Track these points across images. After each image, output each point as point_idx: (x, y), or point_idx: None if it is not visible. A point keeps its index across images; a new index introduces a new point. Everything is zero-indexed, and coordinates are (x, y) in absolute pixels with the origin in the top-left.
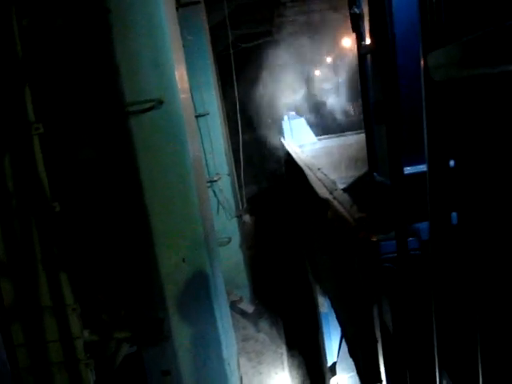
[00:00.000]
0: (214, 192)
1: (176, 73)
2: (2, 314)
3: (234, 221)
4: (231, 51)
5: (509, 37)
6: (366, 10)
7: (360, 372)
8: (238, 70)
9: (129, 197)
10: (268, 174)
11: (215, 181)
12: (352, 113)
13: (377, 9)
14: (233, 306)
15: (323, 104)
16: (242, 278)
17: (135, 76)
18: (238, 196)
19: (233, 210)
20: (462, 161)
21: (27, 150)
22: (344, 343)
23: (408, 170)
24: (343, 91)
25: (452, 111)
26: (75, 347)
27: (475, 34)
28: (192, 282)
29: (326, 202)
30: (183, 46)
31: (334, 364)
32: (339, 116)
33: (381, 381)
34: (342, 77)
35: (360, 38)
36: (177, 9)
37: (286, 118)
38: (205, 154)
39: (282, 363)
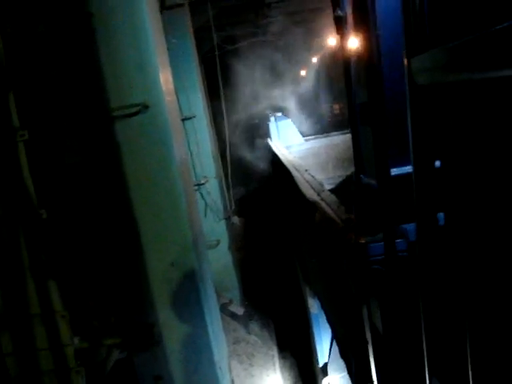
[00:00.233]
0: (202, 195)
1: (161, 76)
2: None
3: (223, 223)
4: (216, 53)
5: (494, 42)
6: (349, 12)
7: (351, 373)
8: (224, 71)
9: (116, 201)
10: (256, 175)
11: (202, 184)
12: (337, 112)
13: (360, 11)
14: (223, 308)
15: (309, 103)
16: (232, 280)
17: (120, 80)
18: (226, 198)
19: (221, 213)
20: (448, 161)
21: (12, 156)
22: (335, 344)
23: (394, 171)
24: (328, 91)
25: (436, 113)
26: (65, 355)
27: (459, 39)
28: (181, 286)
29: (313, 203)
30: (168, 49)
31: (326, 365)
32: (324, 115)
33: (372, 382)
34: (328, 76)
35: (344, 41)
36: (161, 12)
37: (272, 118)
38: (192, 157)
39: (274, 365)
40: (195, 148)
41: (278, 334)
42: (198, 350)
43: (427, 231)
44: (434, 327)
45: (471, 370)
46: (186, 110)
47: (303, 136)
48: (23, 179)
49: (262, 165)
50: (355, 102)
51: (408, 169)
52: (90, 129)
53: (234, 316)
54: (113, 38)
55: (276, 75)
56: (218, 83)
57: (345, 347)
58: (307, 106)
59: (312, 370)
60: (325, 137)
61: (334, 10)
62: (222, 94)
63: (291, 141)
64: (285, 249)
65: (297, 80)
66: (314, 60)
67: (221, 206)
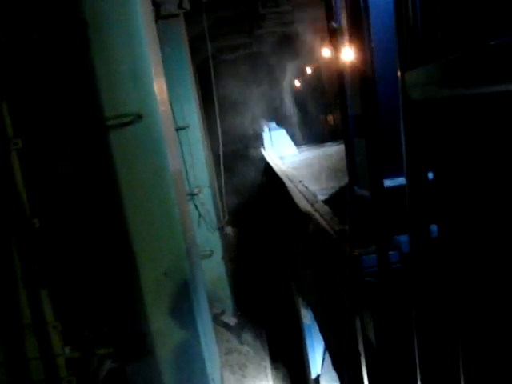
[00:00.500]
0: (195, 205)
1: (155, 86)
2: None
3: (216, 233)
4: (211, 63)
5: (488, 58)
6: (344, 24)
7: None
8: (219, 81)
9: (109, 211)
10: (249, 185)
11: (196, 194)
12: (332, 123)
13: (355, 24)
14: (215, 318)
15: (303, 114)
16: (225, 290)
17: (114, 89)
18: (220, 208)
19: (214, 223)
20: (441, 173)
21: (5, 165)
22: (328, 355)
23: (388, 183)
24: (322, 102)
25: (430, 126)
26: (57, 365)
27: (453, 54)
28: (174, 296)
29: (307, 214)
30: (162, 59)
31: (318, 376)
32: (318, 126)
33: None
34: (322, 87)
35: (338, 53)
36: (156, 21)
37: (266, 128)
38: (185, 167)
39: (266, 376)
40: (189, 158)
41: (270, 345)
42: (190, 360)
43: (420, 243)
44: (427, 339)
45: (464, 381)
46: (180, 119)
47: (297, 146)
48: (16, 188)
49: (255, 175)
50: (349, 113)
51: (401, 180)
52: (84, 138)
53: (226, 326)
54: (107, 47)
55: (270, 85)
56: (212, 93)
57: (337, 359)
58: (301, 116)
59: (305, 381)
60: (318, 147)
61: (329, 22)
62: (216, 103)
63: (285, 151)
64: (278, 259)
65: (291, 90)
66: (309, 70)
67: (214, 216)
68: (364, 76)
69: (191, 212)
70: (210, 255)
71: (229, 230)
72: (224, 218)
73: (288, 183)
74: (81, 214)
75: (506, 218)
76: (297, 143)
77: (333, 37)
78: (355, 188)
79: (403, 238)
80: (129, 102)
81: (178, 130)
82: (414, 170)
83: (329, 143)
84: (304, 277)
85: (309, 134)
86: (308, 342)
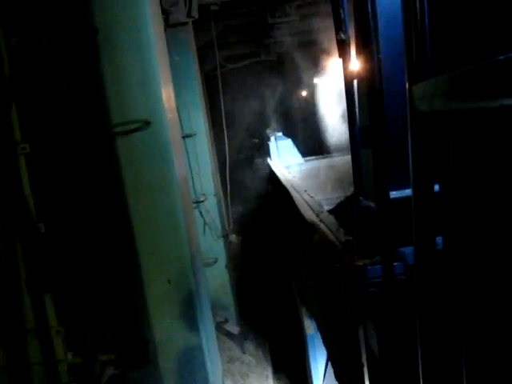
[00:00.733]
0: (201, 212)
1: (163, 93)
2: None
3: (221, 241)
4: (218, 72)
5: (497, 72)
6: (352, 35)
7: None
8: (226, 90)
9: (114, 217)
10: (255, 194)
11: (201, 201)
12: (340, 133)
13: (363, 35)
14: (218, 327)
15: (310, 124)
16: (228, 298)
17: (122, 96)
18: (225, 216)
19: (219, 231)
20: (447, 186)
21: (13, 169)
22: (330, 366)
23: (394, 194)
24: (329, 112)
25: (437, 139)
26: (59, 370)
27: (461, 68)
28: (177, 304)
29: (312, 224)
30: (171, 67)
31: None
32: (326, 136)
33: None
34: (329, 98)
35: (346, 64)
36: (165, 29)
37: (272, 138)
38: (192, 175)
39: None
40: (195, 165)
41: (272, 355)
42: (192, 368)
43: (425, 255)
44: (431, 351)
45: None
46: (187, 127)
47: (303, 156)
48: (23, 192)
49: (261, 184)
50: (356, 124)
51: (407, 192)
52: (91, 144)
53: (229, 335)
54: (117, 55)
55: (278, 95)
56: (219, 101)
57: (340, 369)
58: (308, 126)
59: None
60: (325, 157)
61: (337, 34)
62: (223, 112)
63: (291, 161)
64: (282, 269)
65: (298, 100)
66: (317, 81)
67: (219, 224)
68: (371, 87)
69: (196, 219)
70: (215, 263)
71: (233, 238)
72: (229, 226)
73: (293, 193)
74: (86, 219)
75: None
76: (303, 153)
77: (341, 47)
78: (361, 199)
79: (408, 250)
80: (137, 109)
81: (184, 137)
82: (421, 181)
83: (335, 154)
84: (308, 287)
85: (315, 143)
86: (311, 352)
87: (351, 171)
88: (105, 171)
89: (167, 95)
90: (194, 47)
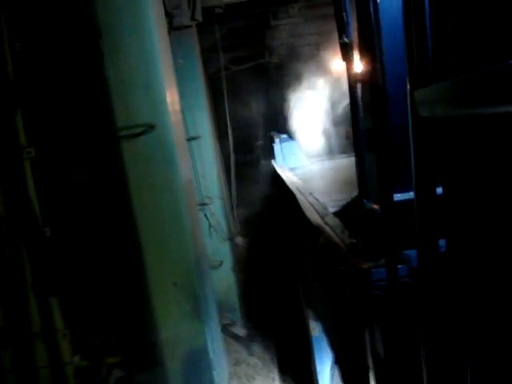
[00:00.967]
0: (206, 215)
1: (168, 96)
2: None
3: (226, 243)
4: (223, 74)
5: (501, 78)
6: (355, 38)
7: None
8: (230, 92)
9: (120, 220)
10: (260, 196)
11: (207, 204)
12: (343, 135)
13: (366, 38)
14: (225, 329)
15: (315, 126)
16: (234, 301)
17: (127, 100)
18: (230, 218)
19: (224, 233)
20: (450, 188)
21: (18, 174)
22: (336, 368)
23: (398, 196)
24: (333, 114)
25: (439, 143)
26: (66, 373)
27: (463, 74)
28: (183, 307)
29: (317, 227)
30: (175, 69)
31: None
32: (330, 138)
33: None
34: (334, 99)
35: (350, 67)
36: (169, 32)
37: (277, 140)
38: (197, 177)
39: None
40: (200, 168)
41: (279, 357)
42: (198, 371)
43: (428, 258)
44: (435, 354)
45: None
46: (191, 130)
47: (308, 158)
48: (28, 196)
49: (266, 186)
50: (360, 127)
51: (411, 194)
52: (96, 147)
53: (235, 337)
54: (121, 58)
55: (282, 96)
56: (223, 103)
57: (346, 372)
58: (313, 128)
59: None
60: (330, 159)
61: (340, 37)
62: (227, 114)
63: (296, 162)
64: (288, 271)
65: (303, 101)
66: (321, 82)
67: (225, 227)
68: (375, 90)
69: (202, 222)
70: (220, 266)
71: (239, 240)
72: (234, 228)
73: (298, 195)
74: (91, 223)
75: None
76: (308, 155)
77: (344, 51)
78: (365, 201)
79: (412, 253)
80: (141, 113)
81: (189, 140)
82: (423, 185)
83: (340, 155)
84: (313, 289)
85: (320, 145)
86: (317, 354)
87: (355, 173)
88: (110, 175)
89: (171, 98)
90: (198, 50)
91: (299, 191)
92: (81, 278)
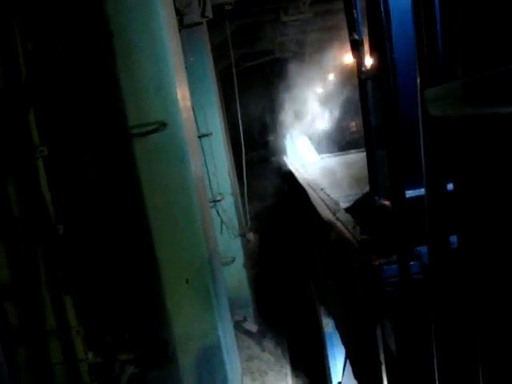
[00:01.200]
0: (218, 211)
1: (179, 94)
2: (7, 337)
3: (238, 240)
4: (234, 70)
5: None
6: (365, 35)
7: None
8: (241, 88)
9: (132, 218)
10: (272, 192)
11: (218, 200)
12: (354, 130)
13: (376, 35)
14: (237, 325)
15: (326, 121)
16: (246, 297)
17: (138, 98)
18: (242, 215)
19: (236, 230)
20: (461, 184)
21: (32, 172)
22: (348, 364)
23: (409, 193)
24: (345, 109)
25: (449, 139)
26: (80, 370)
27: (474, 74)
28: (196, 303)
29: (328, 223)
30: (186, 67)
31: None
32: (342, 133)
33: None
34: (345, 94)
35: (360, 64)
36: (179, 30)
37: (288, 136)
38: (208, 174)
39: (287, 383)
40: (212, 165)
41: (291, 352)
42: (212, 367)
43: (440, 254)
44: (447, 350)
45: None
46: (202, 126)
47: (319, 153)
48: (42, 195)
49: (277, 182)
50: (371, 124)
51: (423, 191)
52: (109, 146)
53: (247, 333)
54: (132, 58)
55: (293, 92)
56: (234, 100)
57: (358, 367)
58: (324, 123)
59: None
60: (341, 154)
61: (351, 34)
62: (238, 110)
63: (307, 158)
64: (299, 267)
65: (314, 97)
66: (331, 77)
67: (236, 223)
68: (385, 87)
69: (214, 219)
70: (232, 262)
71: (251, 236)
72: (246, 224)
73: (310, 191)
74: (103, 220)
75: None
76: (319, 150)
77: (354, 48)
78: (376, 198)
79: (424, 249)
80: (153, 111)
81: (200, 137)
82: (434, 180)
83: (352, 151)
84: (325, 286)
85: (332, 141)
86: (329, 350)
87: (367, 168)
88: (122, 173)
89: (183, 96)
90: (208, 47)
91: (310, 187)
92: (94, 276)
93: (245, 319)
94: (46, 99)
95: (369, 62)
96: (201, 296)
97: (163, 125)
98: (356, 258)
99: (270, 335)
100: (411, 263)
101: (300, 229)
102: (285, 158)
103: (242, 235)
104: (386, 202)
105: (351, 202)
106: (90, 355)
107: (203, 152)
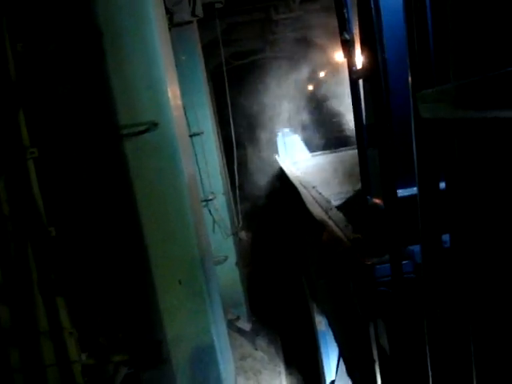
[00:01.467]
0: (210, 211)
1: (170, 93)
2: None
3: (230, 239)
4: (224, 69)
5: (504, 84)
6: (356, 35)
7: None
8: (232, 87)
9: (124, 219)
10: (263, 191)
11: (210, 200)
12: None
13: (367, 34)
14: (230, 324)
15: (317, 119)
16: (239, 296)
17: (129, 99)
18: (234, 213)
19: (228, 228)
20: (453, 183)
21: (22, 174)
22: (342, 362)
23: (401, 192)
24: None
25: (441, 141)
26: (73, 371)
27: (466, 76)
28: (189, 304)
29: (320, 222)
30: (176, 66)
31: (333, 382)
32: (332, 131)
33: None
34: (334, 92)
35: (351, 63)
36: (169, 29)
37: (280, 134)
38: (200, 173)
39: (281, 382)
40: (203, 164)
41: (285, 351)
42: (205, 366)
43: (432, 253)
44: (440, 348)
45: None
46: (194, 126)
47: (310, 151)
48: (33, 196)
49: (269, 180)
50: (363, 123)
51: (415, 190)
52: (99, 146)
53: (240, 332)
54: (122, 57)
55: (284, 90)
56: (225, 98)
57: (352, 365)
58: (315, 121)
59: None
60: (331, 152)
61: (341, 33)
62: (229, 109)
63: (298, 156)
64: (292, 265)
65: (305, 95)
66: (322, 75)
67: (228, 222)
68: (376, 86)
69: (206, 218)
70: (225, 261)
71: (243, 235)
72: (238, 223)
73: (301, 189)
74: (95, 221)
75: None
76: (310, 148)
77: (345, 47)
78: (368, 197)
79: (417, 248)
80: (144, 111)
81: (192, 136)
82: (426, 179)
83: (342, 148)
84: (318, 284)
85: (322, 139)
86: (322, 348)
87: (358, 166)
88: (113, 172)
89: (174, 95)
90: (199, 45)
91: (302, 185)
92: (86, 277)
93: (238, 318)
94: (36, 100)
95: (360, 61)
96: (194, 296)
97: (154, 125)
98: (347, 256)
99: (264, 333)
100: (404, 262)
101: (292, 227)
102: (276, 156)
103: (235, 234)
104: (378, 201)
105: (343, 200)
106: (84, 356)
107: (195, 151)
